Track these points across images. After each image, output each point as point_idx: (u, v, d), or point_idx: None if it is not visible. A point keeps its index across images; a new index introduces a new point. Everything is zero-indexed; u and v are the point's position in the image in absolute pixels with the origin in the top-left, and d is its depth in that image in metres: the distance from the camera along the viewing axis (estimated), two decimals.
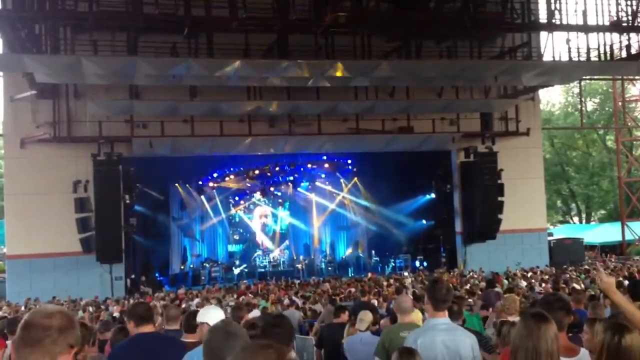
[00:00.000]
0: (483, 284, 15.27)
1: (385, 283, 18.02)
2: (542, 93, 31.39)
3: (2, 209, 26.58)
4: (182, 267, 27.75)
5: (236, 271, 27.07)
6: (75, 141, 22.47)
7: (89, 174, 22.07)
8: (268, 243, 29.58)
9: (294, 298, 14.40)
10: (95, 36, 19.91)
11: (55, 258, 22.10)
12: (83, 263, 21.97)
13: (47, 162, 22.35)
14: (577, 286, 11.92)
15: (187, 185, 27.76)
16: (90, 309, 15.69)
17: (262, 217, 30.02)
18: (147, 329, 4.91)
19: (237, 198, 29.33)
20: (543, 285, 15.08)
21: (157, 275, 26.13)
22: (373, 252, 29.31)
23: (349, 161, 28.93)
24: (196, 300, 15.01)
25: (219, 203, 28.84)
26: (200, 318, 4.76)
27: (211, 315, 4.64)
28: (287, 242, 29.67)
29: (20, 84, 21.35)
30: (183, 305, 13.64)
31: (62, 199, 22.03)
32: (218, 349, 2.98)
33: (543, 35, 24.37)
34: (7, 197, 23.27)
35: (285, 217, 29.97)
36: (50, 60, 18.12)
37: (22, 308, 17.86)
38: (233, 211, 29.40)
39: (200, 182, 28.07)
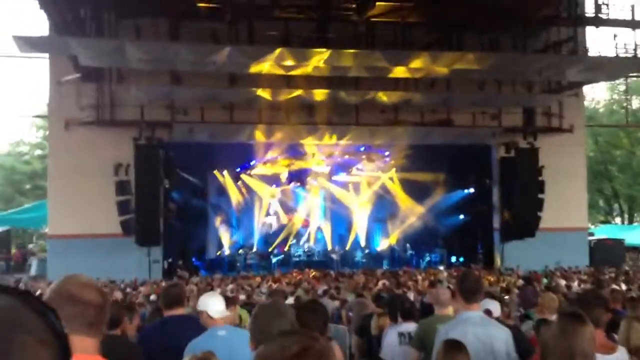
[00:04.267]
0: (520, 282, 15.06)
1: (420, 277, 17.89)
2: (587, 89, 30.65)
3: (44, 190, 27.21)
4: (218, 253, 28.01)
5: (272, 260, 27.23)
6: (117, 125, 22.82)
7: (130, 158, 22.42)
8: (303, 231, 29.63)
9: (327, 287, 14.40)
10: (139, 21, 20.11)
11: (96, 239, 22.53)
12: (122, 245, 22.33)
13: (90, 144, 22.76)
14: (616, 287, 11.65)
15: (225, 171, 27.96)
16: (128, 289, 16.02)
17: (297, 206, 30.05)
18: (177, 312, 5.16)
19: (273, 186, 29.41)
20: (582, 285, 14.78)
21: (193, 260, 26.42)
22: (408, 245, 29.07)
23: (387, 153, 28.69)
24: (230, 286, 15.18)
25: (255, 190, 28.99)
26: (200, 307, 4.87)
27: (210, 302, 4.82)
28: (321, 231, 29.64)
29: (66, 67, 21.71)
30: (218, 291, 13.79)
31: (103, 181, 22.43)
32: (266, 324, 3.12)
33: (589, 30, 23.81)
34: (51, 178, 23.85)
35: (321, 206, 29.95)
36: (94, 43, 18.43)
37: None
38: (269, 199, 29.49)
39: (238, 169, 28.23)
